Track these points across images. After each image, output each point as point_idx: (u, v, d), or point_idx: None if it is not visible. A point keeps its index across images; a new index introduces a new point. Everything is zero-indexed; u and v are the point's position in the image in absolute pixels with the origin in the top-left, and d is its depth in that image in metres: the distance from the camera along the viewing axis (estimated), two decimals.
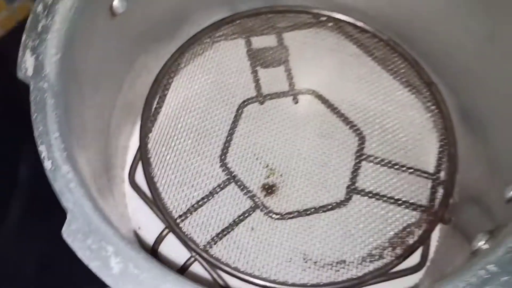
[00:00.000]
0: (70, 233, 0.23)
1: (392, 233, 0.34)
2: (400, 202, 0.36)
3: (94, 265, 0.22)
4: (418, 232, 0.34)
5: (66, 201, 0.23)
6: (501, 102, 0.33)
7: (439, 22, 0.37)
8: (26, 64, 0.26)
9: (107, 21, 0.32)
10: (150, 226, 0.36)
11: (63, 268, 0.37)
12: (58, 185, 0.24)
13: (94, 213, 0.23)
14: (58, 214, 0.23)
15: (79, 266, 0.22)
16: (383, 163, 0.37)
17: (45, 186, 0.24)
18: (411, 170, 0.37)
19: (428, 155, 0.38)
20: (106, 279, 0.22)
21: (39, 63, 0.26)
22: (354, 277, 0.32)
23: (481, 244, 0.27)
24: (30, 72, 0.26)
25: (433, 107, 0.39)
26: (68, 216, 0.23)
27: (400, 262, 0.33)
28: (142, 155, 0.35)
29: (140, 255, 0.23)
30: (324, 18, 0.41)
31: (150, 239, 0.36)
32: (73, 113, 0.28)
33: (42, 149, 0.25)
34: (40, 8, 0.28)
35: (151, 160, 0.36)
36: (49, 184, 0.24)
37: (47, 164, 0.24)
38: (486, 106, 0.35)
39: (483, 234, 0.27)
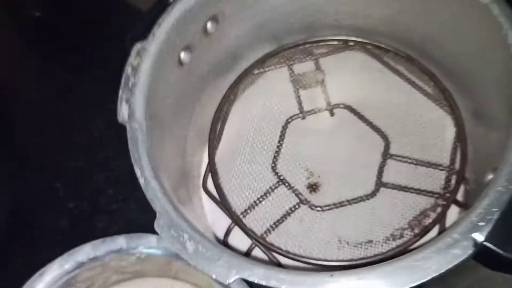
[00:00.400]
0: (159, 226, 0.34)
1: (411, 217, 0.42)
2: (418, 191, 0.43)
3: (176, 247, 0.33)
4: (433, 215, 0.42)
5: (155, 205, 0.34)
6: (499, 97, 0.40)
7: (446, 41, 0.44)
8: (123, 111, 0.38)
9: (177, 71, 0.43)
10: (221, 222, 0.46)
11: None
12: (149, 195, 0.35)
13: (174, 213, 0.34)
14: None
15: None
16: (404, 160, 0.45)
17: None
18: (429, 164, 0.45)
19: (443, 151, 0.45)
20: (184, 257, 0.33)
21: (132, 111, 0.38)
22: (379, 253, 0.41)
23: None
24: (126, 117, 0.38)
25: (447, 109, 0.46)
26: (157, 216, 0.34)
27: (417, 240, 0.41)
28: (211, 168, 0.46)
29: (205, 239, 0.33)
30: (352, 43, 0.50)
31: (221, 231, 0.46)
32: (156, 143, 0.39)
33: (137, 170, 0.36)
34: (129, 70, 0.39)
35: (218, 171, 0.46)
36: None
37: (141, 181, 0.35)
38: (490, 103, 0.42)
39: None
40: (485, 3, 0.36)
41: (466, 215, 0.31)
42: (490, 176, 0.35)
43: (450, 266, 0.30)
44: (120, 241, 0.39)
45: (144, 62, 0.39)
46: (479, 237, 0.30)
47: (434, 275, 0.29)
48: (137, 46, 0.40)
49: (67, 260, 0.38)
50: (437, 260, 0.30)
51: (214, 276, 0.31)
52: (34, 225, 0.52)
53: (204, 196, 0.48)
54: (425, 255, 0.30)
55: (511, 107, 0.36)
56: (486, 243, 0.30)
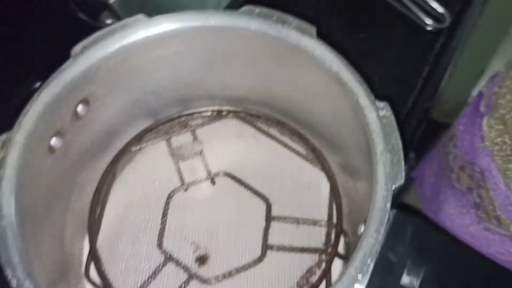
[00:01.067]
0: None
1: (298, 277, 0.44)
2: (302, 249, 0.45)
3: None
4: (318, 271, 0.44)
5: None
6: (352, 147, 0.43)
7: (305, 103, 0.47)
8: None
9: (48, 158, 0.41)
10: None
11: None
12: None
13: None
14: None
15: None
16: (286, 220, 0.47)
17: None
18: (309, 221, 0.47)
19: (321, 206, 0.48)
20: None
21: None
22: None
23: None
24: None
25: (319, 166, 0.49)
26: None
27: None
28: (93, 254, 0.44)
29: None
30: (225, 113, 0.52)
31: None
32: (30, 238, 0.37)
33: (8, 271, 0.33)
34: None
35: (101, 256, 0.44)
36: None
37: (13, 282, 0.33)
38: (353, 157, 0.45)
39: None
40: (335, 71, 0.40)
41: (345, 270, 0.33)
42: (362, 227, 0.37)
43: None
44: None
45: (9, 154, 0.37)
46: None
47: None
48: (2, 137, 0.38)
49: None
50: None
51: None
52: None
53: (88, 286, 0.45)
54: None
55: (368, 159, 0.39)
56: None
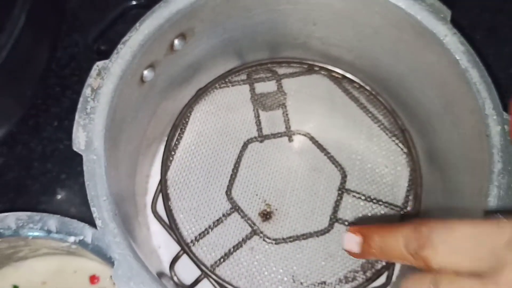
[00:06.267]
0: (117, 277, 0.31)
1: (364, 259, 0.43)
2: None
3: None
4: None
5: (113, 252, 0.32)
6: (456, 146, 0.41)
7: (410, 81, 0.44)
8: (79, 139, 0.34)
9: (139, 89, 0.39)
10: (169, 246, 0.44)
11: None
12: (107, 239, 0.32)
13: (135, 261, 0.32)
14: None
15: None
16: (360, 196, 0.45)
17: None
18: (384, 204, 0.45)
19: (398, 191, 0.46)
20: None
21: (89, 140, 0.34)
22: None
23: None
24: (82, 146, 0.34)
25: (405, 150, 0.46)
26: (116, 264, 0.31)
27: (369, 284, 0.42)
28: (163, 190, 0.44)
29: None
30: (317, 68, 0.49)
31: (169, 256, 0.44)
32: (113, 173, 0.36)
33: (94, 210, 0.33)
34: (88, 91, 0.35)
35: (170, 195, 0.44)
36: None
37: (98, 222, 0.32)
38: (445, 148, 0.42)
39: None
40: (463, 68, 0.36)
41: None
42: None
43: None
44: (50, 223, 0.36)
45: (105, 84, 0.35)
46: None
47: None
48: (98, 65, 0.36)
49: None
50: None
51: None
52: None
53: (151, 216, 0.45)
54: None
55: (474, 170, 0.37)
56: None
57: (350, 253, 0.31)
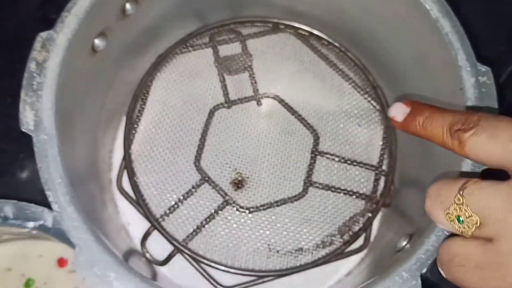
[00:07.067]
0: (79, 264, 0.29)
1: (341, 222, 0.42)
2: (348, 192, 0.43)
3: None
4: (362, 220, 0.42)
5: (73, 237, 0.30)
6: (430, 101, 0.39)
7: (381, 35, 0.42)
8: (27, 118, 0.32)
9: (90, 59, 0.37)
10: (139, 223, 0.43)
11: None
12: (65, 225, 0.30)
13: (96, 245, 0.30)
14: None
15: None
16: (334, 158, 0.44)
17: None
18: (359, 164, 0.44)
19: (373, 150, 0.44)
20: None
21: (38, 118, 0.31)
22: (309, 261, 0.40)
23: (404, 244, 0.35)
24: (31, 126, 0.31)
25: (378, 107, 0.45)
26: (76, 250, 0.29)
27: (347, 247, 0.41)
28: (127, 165, 0.41)
29: (136, 278, 0.29)
30: (282, 26, 0.46)
31: (140, 233, 0.42)
32: (68, 151, 0.33)
33: (49, 193, 0.30)
34: (33, 66, 0.32)
35: (135, 169, 0.41)
36: None
37: (55, 207, 0.30)
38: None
39: (404, 237, 0.34)
40: (434, 17, 0.34)
41: (412, 251, 0.30)
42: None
43: None
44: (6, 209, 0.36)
45: (52, 57, 0.32)
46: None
47: None
48: (42, 36, 0.33)
49: None
50: None
51: None
52: None
53: (117, 193, 0.43)
54: None
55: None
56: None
57: (392, 120, 0.31)
